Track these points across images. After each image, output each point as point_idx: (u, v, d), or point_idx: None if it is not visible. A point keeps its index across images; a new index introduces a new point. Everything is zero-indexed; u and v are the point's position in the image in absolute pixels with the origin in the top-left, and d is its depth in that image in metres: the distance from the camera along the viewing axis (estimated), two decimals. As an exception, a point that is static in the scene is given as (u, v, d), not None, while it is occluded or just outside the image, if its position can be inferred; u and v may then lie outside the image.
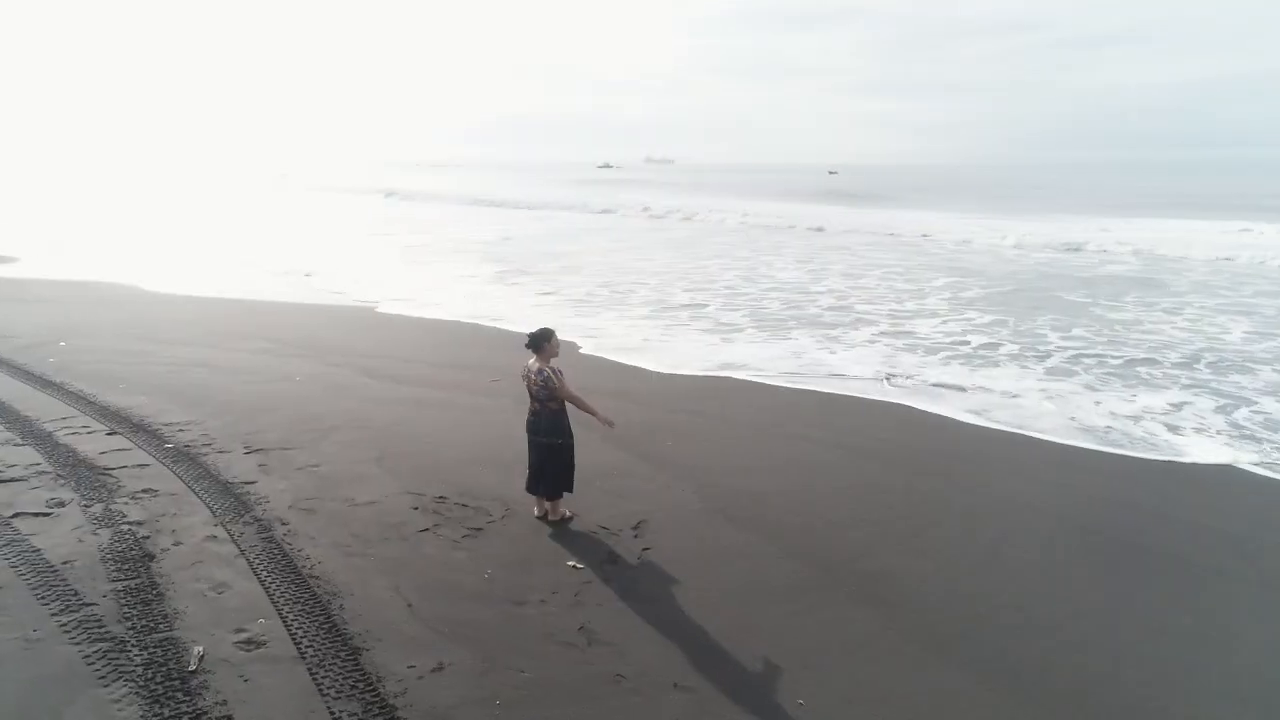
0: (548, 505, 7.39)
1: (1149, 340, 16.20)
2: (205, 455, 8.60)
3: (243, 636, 5.24)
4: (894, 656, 5.50)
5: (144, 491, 7.50)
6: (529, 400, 7.26)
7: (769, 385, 12.49)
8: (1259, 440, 10.04)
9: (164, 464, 8.26)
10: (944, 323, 17.89)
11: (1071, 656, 5.55)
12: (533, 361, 7.18)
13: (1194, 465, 9.21)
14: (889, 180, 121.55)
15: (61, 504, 7.10)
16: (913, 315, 18.64)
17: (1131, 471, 9.05)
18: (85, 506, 7.07)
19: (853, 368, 13.75)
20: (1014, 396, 11.91)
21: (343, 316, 17.48)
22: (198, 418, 9.91)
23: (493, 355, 13.92)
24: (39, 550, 6.20)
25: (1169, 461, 9.31)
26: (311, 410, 10.46)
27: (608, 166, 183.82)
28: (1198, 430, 10.42)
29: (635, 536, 7.12)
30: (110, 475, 7.86)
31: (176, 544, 6.47)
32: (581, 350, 14.58)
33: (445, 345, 14.88)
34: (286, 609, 5.59)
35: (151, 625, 5.27)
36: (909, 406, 11.35)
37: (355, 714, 4.58)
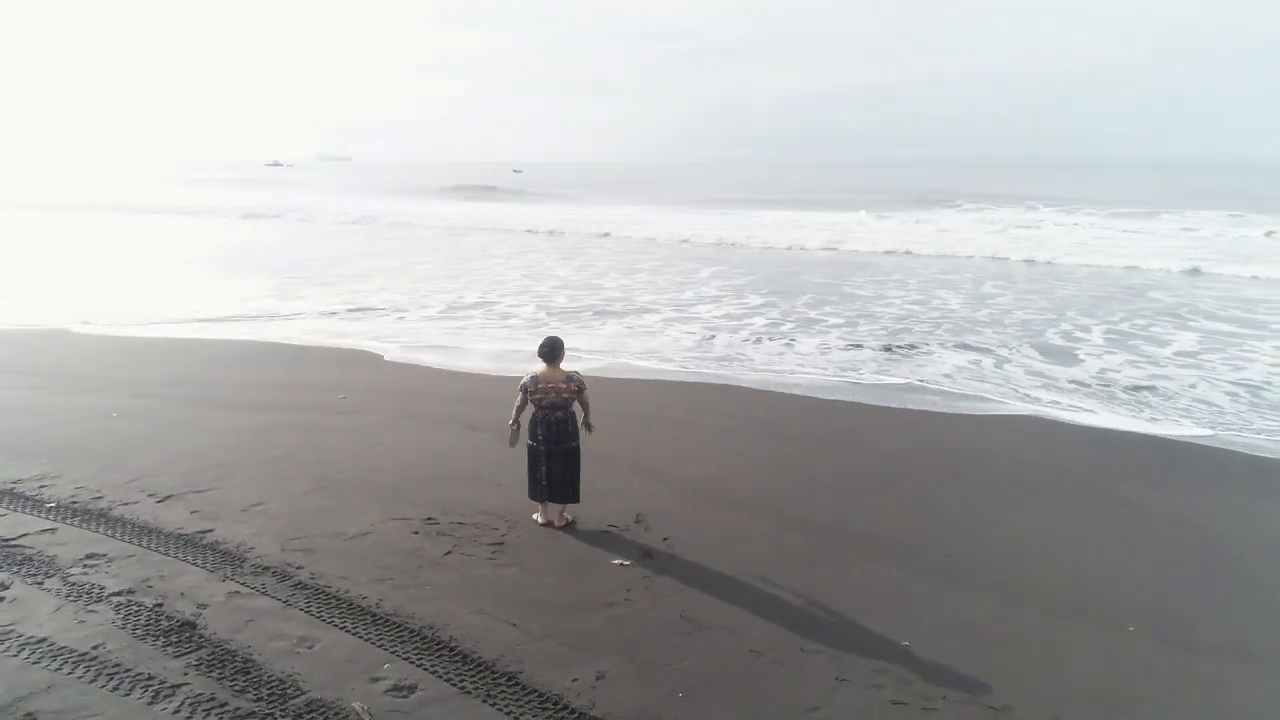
0: (554, 512, 7.44)
1: (892, 312, 19.24)
2: (111, 509, 7.43)
3: (385, 684, 4.91)
4: (934, 596, 6.44)
5: (89, 558, 6.39)
6: (547, 410, 7.21)
7: (630, 378, 13.09)
8: (1050, 390, 12.62)
9: (74, 525, 7.03)
10: (720, 307, 19.73)
11: (1037, 567, 6.89)
12: (548, 370, 7.20)
13: (1012, 416, 11.37)
14: (575, 178, 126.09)
15: (4, 586, 5.85)
16: (694, 303, 20.27)
17: (974, 424, 10.98)
18: (38, 584, 5.91)
19: (676, 354, 14.84)
20: (853, 369, 13.65)
21: (95, 345, 15.05)
22: (45, 470, 8.42)
23: (307, 372, 13.18)
24: (45, 639, 5.16)
25: (995, 415, 11.41)
26: (177, 448, 9.29)
27: (277, 165, 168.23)
28: (999, 384, 12.82)
29: (646, 530, 7.44)
30: (18, 547, 6.56)
31: (203, 606, 5.69)
32: (387, 357, 14.23)
33: (255, 366, 13.59)
34: (400, 650, 5.27)
35: (280, 692, 4.73)
36: (764, 389, 12.55)
37: (566, 732, 4.58)
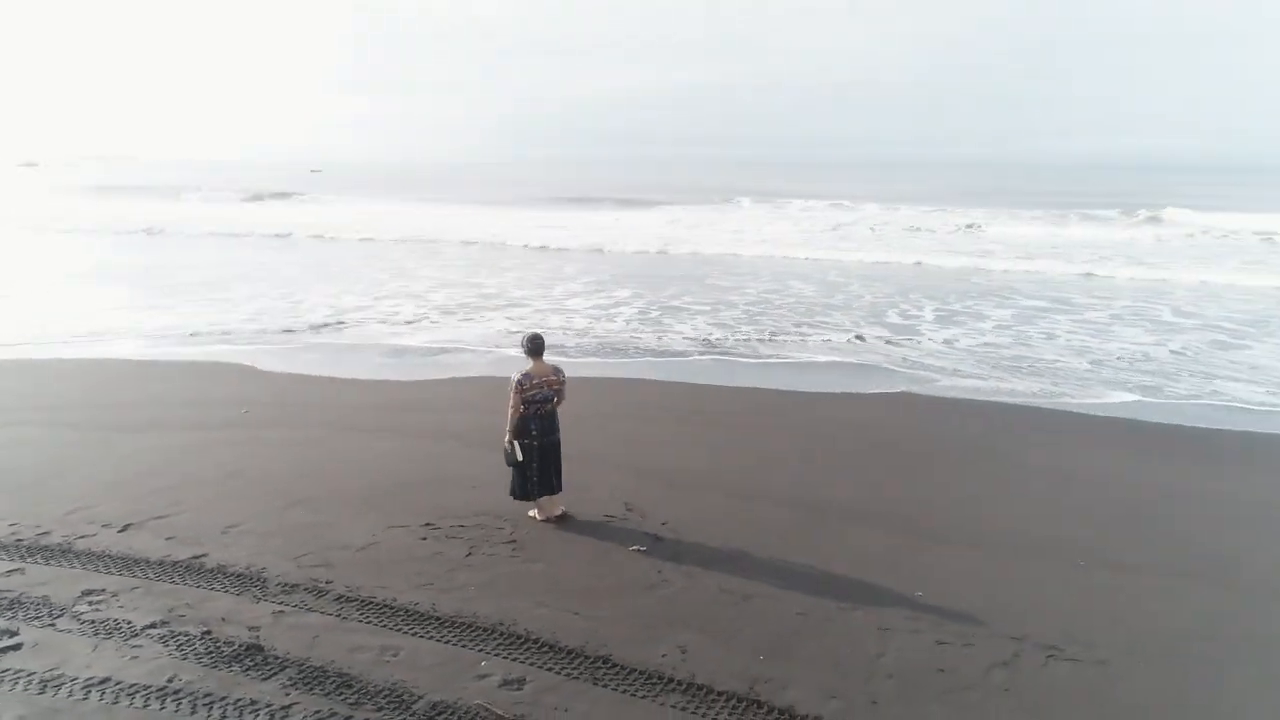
0: (549, 506, 7.57)
1: (748, 298, 20.64)
2: (70, 543, 6.82)
3: (494, 680, 4.98)
4: (920, 552, 7.16)
5: (88, 595, 5.89)
6: (538, 405, 7.33)
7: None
8: (927, 358, 14.02)
9: (40, 564, 6.42)
10: (590, 299, 20.33)
11: (987, 521, 7.83)
12: (537, 365, 7.33)
13: (905, 393, 12.58)
14: (376, 178, 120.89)
15: (13, 633, 5.31)
16: (566, 297, 20.70)
17: (882, 401, 12.08)
18: (50, 626, 5.41)
19: (567, 339, 15.33)
20: (762, 354, 14.48)
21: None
22: (-50, 509, 7.54)
23: (187, 387, 12.39)
24: (107, 679, 4.77)
25: (896, 392, 12.59)
26: (97, 475, 8.53)
27: (32, 165, 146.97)
28: (885, 357, 14.12)
29: (642, 517, 7.73)
30: (-11, 590, 5.93)
31: (254, 629, 5.44)
32: (260, 367, 13.65)
33: (125, 385, 12.51)
34: (485, 647, 5.33)
35: (396, 700, 4.69)
36: (688, 381, 13.10)
37: (681, 703, 4.88)
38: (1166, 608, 6.32)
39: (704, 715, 4.75)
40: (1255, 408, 12.04)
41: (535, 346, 7.35)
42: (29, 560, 6.45)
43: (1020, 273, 26.57)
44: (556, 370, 7.42)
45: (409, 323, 17.07)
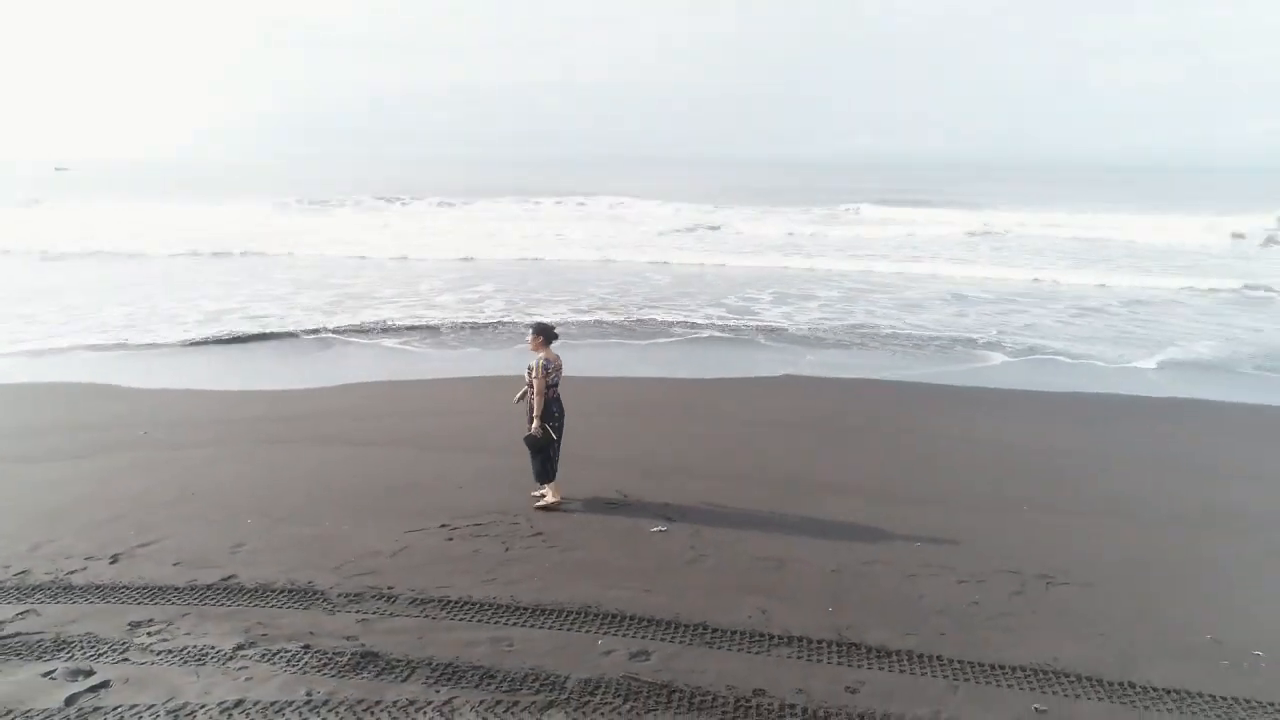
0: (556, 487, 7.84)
1: (606, 288, 21.64)
2: (65, 579, 6.29)
3: (620, 654, 5.24)
4: (895, 512, 8.03)
5: (137, 626, 5.49)
6: (553, 389, 7.67)
7: (475, 376, 13.18)
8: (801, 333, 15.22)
9: (50, 603, 5.86)
10: (460, 295, 20.47)
11: (935, 484, 8.89)
12: (550, 351, 7.58)
13: (779, 377, 13.66)
14: (127, 176, 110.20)
15: (89, 672, 4.89)
16: (435, 293, 20.65)
17: (775, 385, 13.09)
18: (124, 661, 5.02)
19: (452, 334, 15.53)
20: (642, 334, 15.06)
21: None
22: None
23: (60, 411, 11.37)
24: (240, 700, 4.55)
25: (796, 375, 13.63)
26: (26, 509, 7.80)
27: None
28: (746, 332, 15.23)
29: (643, 502, 8.12)
30: (24, 635, 5.41)
31: (350, 638, 5.34)
32: (127, 384, 12.76)
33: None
34: (590, 629, 5.56)
35: (548, 682, 4.85)
36: (599, 376, 13.46)
37: (793, 654, 5.39)
38: (1104, 539, 7.51)
39: (818, 661, 5.28)
40: (1072, 360, 14.59)
41: (551, 335, 7.58)
42: (30, 601, 5.86)
43: (821, 270, 27.32)
44: (558, 356, 7.71)
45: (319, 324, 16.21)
